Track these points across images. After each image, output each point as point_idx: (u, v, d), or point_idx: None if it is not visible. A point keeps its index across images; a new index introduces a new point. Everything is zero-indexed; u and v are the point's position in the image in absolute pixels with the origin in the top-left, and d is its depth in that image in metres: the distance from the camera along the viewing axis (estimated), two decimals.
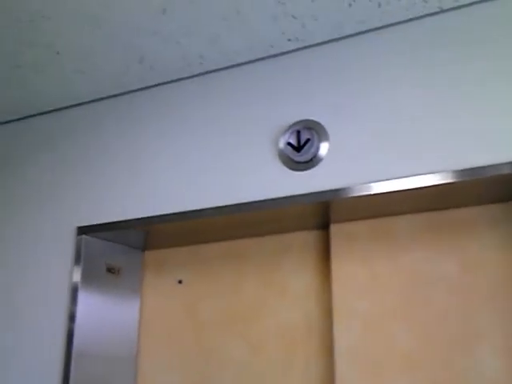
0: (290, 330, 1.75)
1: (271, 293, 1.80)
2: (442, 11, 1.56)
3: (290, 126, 1.65)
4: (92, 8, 1.57)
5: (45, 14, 1.59)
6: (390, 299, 1.61)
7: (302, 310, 1.75)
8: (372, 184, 1.52)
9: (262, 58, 1.76)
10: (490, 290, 1.52)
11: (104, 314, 1.86)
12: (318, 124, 1.63)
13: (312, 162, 1.61)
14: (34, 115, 2.09)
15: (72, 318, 1.78)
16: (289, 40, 1.69)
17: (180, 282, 1.95)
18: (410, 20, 1.60)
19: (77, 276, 1.82)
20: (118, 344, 1.88)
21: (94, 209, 1.87)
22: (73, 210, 1.90)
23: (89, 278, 1.84)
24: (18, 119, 2.12)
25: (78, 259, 1.83)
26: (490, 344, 1.49)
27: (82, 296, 1.81)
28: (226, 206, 1.68)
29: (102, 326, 1.84)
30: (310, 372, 1.69)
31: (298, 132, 1.63)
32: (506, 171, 1.40)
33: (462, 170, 1.44)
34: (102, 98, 1.98)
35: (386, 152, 1.53)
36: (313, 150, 1.60)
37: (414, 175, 1.48)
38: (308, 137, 1.62)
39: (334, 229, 1.72)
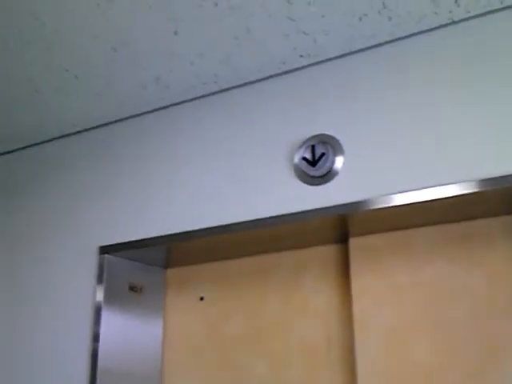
0: (313, 346, 1.74)
1: (292, 309, 1.80)
2: (454, 23, 1.56)
3: (305, 141, 1.66)
4: (107, 32, 1.61)
5: (62, 38, 1.63)
6: (412, 313, 1.60)
7: (323, 325, 1.74)
8: (390, 196, 1.51)
9: (275, 75, 1.77)
10: None
11: (127, 332, 1.87)
12: (332, 138, 1.63)
13: (328, 176, 1.61)
14: (53, 139, 2.13)
15: (96, 337, 1.80)
16: (301, 56, 1.70)
17: (202, 298, 1.96)
18: (422, 32, 1.59)
19: (100, 295, 1.83)
20: (143, 362, 1.89)
21: (115, 228, 1.90)
22: (94, 230, 1.93)
23: (112, 298, 1.85)
24: (37, 143, 2.16)
25: (100, 278, 1.85)
26: None
27: (105, 315, 1.82)
28: (244, 222, 1.69)
29: (125, 344, 1.86)
30: None
31: (313, 147, 1.64)
32: None
33: (482, 180, 1.42)
34: (121, 119, 2.01)
35: (403, 164, 1.52)
36: (328, 164, 1.61)
37: (434, 186, 1.46)
38: (323, 151, 1.62)
39: (353, 242, 1.72)
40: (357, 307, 1.65)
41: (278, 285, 1.84)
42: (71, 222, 1.99)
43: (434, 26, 1.57)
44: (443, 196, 1.46)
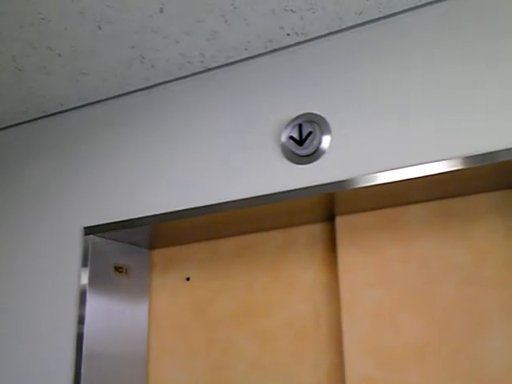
0: (300, 323, 1.75)
1: (280, 287, 1.81)
2: None
3: (292, 120, 1.65)
4: (92, 9, 1.58)
5: (45, 16, 1.60)
6: (399, 289, 1.61)
7: (310, 302, 1.75)
8: (375, 174, 1.52)
9: (262, 54, 1.76)
10: (501, 278, 1.52)
11: (113, 314, 1.86)
12: (319, 117, 1.63)
13: (315, 154, 1.61)
14: (37, 118, 2.10)
15: (81, 320, 1.78)
16: (287, 34, 1.69)
17: (188, 279, 1.95)
18: (410, 9, 1.59)
19: (85, 277, 1.82)
20: (129, 344, 1.89)
21: (100, 208, 1.88)
22: (79, 211, 1.91)
23: (97, 279, 1.84)
24: (22, 122, 2.13)
25: (85, 260, 1.84)
26: (501, 332, 1.48)
27: (90, 297, 1.81)
28: (230, 202, 1.68)
29: (111, 326, 1.85)
30: (321, 364, 1.69)
31: (300, 125, 1.64)
32: None
33: (468, 157, 1.42)
34: (105, 99, 1.99)
35: (389, 141, 1.53)
36: (315, 142, 1.61)
37: (420, 164, 1.47)
38: (310, 130, 1.62)
39: (340, 221, 1.72)
40: (343, 284, 1.66)
41: (264, 264, 1.85)
42: (55, 202, 1.97)
43: (425, 2, 1.57)
44: (428, 174, 1.46)
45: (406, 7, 1.59)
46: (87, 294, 1.80)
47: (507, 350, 1.46)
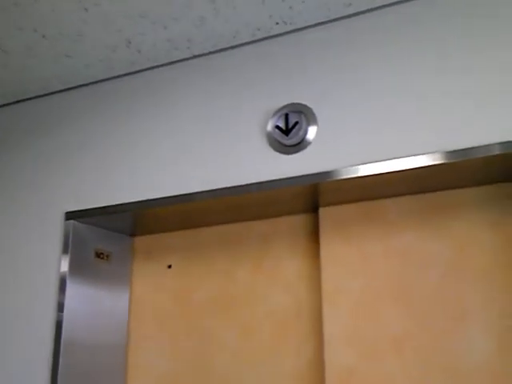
0: (281, 314, 1.75)
1: (261, 277, 1.81)
2: None
3: (279, 110, 1.65)
4: None
5: None
6: (381, 281, 1.62)
7: (292, 293, 1.76)
8: (360, 166, 1.52)
9: (249, 42, 1.76)
10: (481, 270, 1.54)
11: (93, 301, 1.85)
12: (306, 107, 1.63)
13: (300, 145, 1.61)
14: (21, 100, 2.07)
15: (61, 307, 1.77)
16: (276, 23, 1.68)
17: (169, 266, 1.95)
18: (400, 2, 1.60)
19: (65, 263, 1.80)
20: (108, 332, 1.88)
21: (81, 194, 1.86)
22: (60, 196, 1.89)
23: (77, 266, 1.82)
24: (5, 105, 2.10)
25: (66, 245, 1.81)
26: (482, 324, 1.50)
27: (70, 284, 1.79)
28: (215, 190, 1.67)
29: (91, 314, 1.83)
30: (301, 355, 1.70)
31: (287, 115, 1.63)
32: (495, 152, 1.40)
33: (450, 152, 1.44)
34: (90, 83, 1.97)
35: (374, 134, 1.53)
36: (301, 133, 1.60)
37: (403, 157, 1.48)
38: (296, 120, 1.62)
39: (323, 212, 1.73)
40: (325, 275, 1.67)
41: (247, 253, 1.85)
42: (36, 186, 1.94)
43: None
44: (411, 167, 1.47)
45: (394, 0, 1.59)
46: (67, 281, 1.78)
47: (486, 343, 1.48)
